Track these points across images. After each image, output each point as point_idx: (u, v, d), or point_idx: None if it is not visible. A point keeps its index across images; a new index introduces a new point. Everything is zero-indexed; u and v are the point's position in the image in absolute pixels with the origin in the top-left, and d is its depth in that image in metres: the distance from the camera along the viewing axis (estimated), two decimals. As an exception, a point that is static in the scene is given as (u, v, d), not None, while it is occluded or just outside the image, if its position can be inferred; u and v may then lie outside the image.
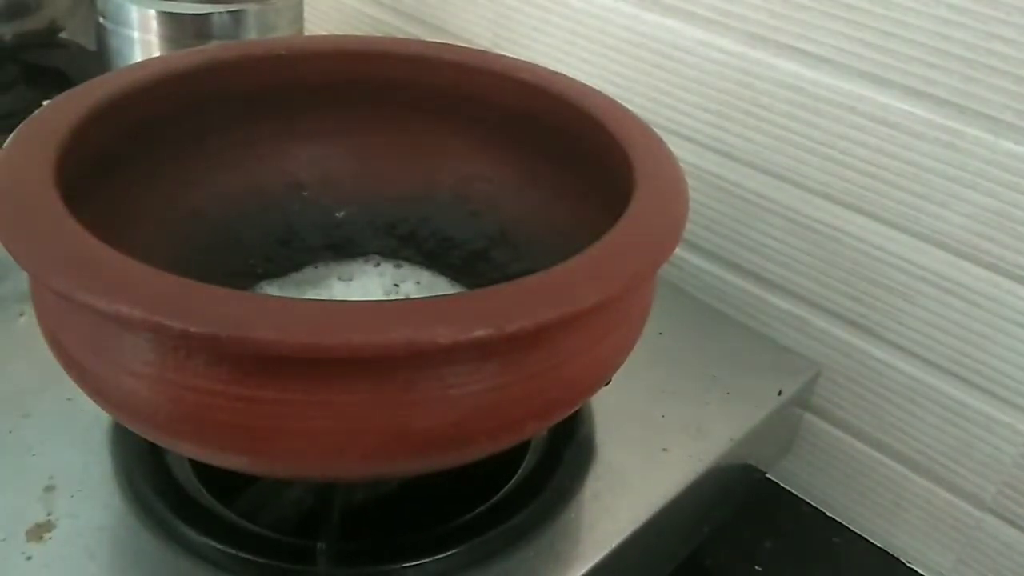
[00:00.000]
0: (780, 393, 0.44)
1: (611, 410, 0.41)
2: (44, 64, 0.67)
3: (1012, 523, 0.43)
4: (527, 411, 0.28)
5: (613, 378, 0.32)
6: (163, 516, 0.33)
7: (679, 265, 0.53)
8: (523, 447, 0.38)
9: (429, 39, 0.50)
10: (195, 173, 0.40)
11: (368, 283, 0.42)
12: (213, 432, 0.26)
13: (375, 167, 0.44)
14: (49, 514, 0.33)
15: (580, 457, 0.38)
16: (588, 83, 0.39)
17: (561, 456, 0.37)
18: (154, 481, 0.34)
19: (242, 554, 0.31)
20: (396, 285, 0.43)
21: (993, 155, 0.39)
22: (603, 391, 0.32)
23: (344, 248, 0.43)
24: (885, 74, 0.41)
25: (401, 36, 0.65)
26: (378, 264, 0.43)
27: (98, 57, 0.61)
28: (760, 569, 0.45)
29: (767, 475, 0.49)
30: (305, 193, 0.43)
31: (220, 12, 0.56)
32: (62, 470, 0.35)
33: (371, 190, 0.44)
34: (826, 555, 0.48)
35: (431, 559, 0.32)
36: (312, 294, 0.41)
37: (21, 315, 0.42)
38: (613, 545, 0.34)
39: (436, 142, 0.43)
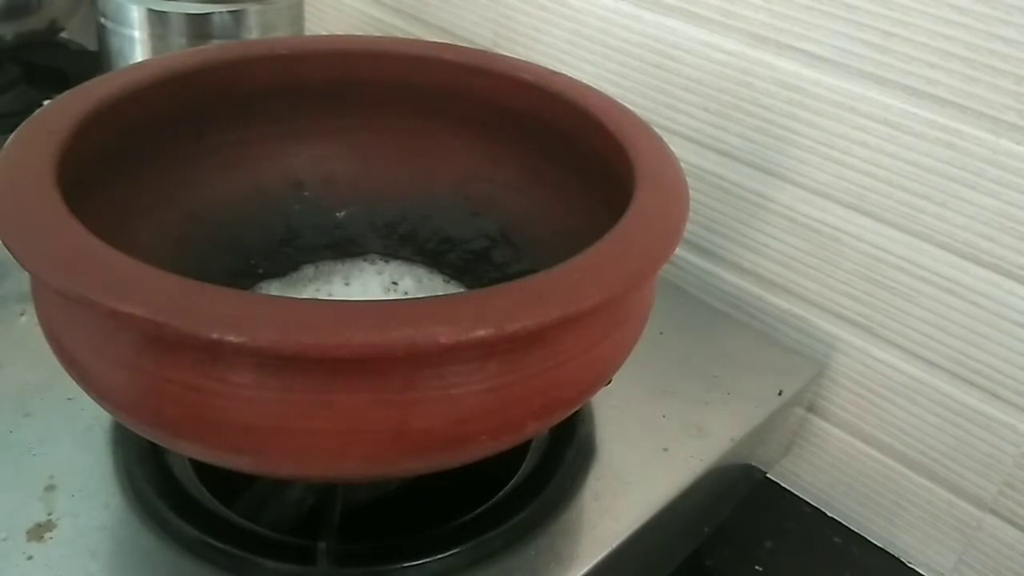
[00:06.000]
0: (780, 393, 0.44)
1: (611, 410, 0.41)
2: (44, 64, 0.67)
3: (1013, 523, 0.43)
4: (527, 411, 0.28)
5: (613, 378, 0.32)
6: (164, 516, 0.33)
7: (679, 265, 0.53)
8: (523, 447, 0.38)
9: (430, 39, 0.50)
10: (195, 173, 0.40)
11: (368, 283, 0.42)
12: (213, 432, 0.26)
13: (375, 167, 0.44)
14: (50, 514, 0.33)
15: (580, 457, 0.38)
16: (588, 83, 0.39)
17: (561, 456, 0.37)
18: (155, 481, 0.34)
19: (243, 554, 0.31)
20: (395, 283, 0.43)
21: (994, 155, 0.39)
22: (603, 391, 0.32)
23: (344, 248, 0.43)
24: (886, 74, 0.41)
25: (402, 36, 0.65)
26: (378, 264, 0.43)
27: (98, 57, 0.61)
28: (760, 569, 0.45)
29: (767, 475, 0.49)
30: (306, 193, 0.43)
31: (220, 12, 0.56)
32: (63, 470, 0.35)
33: (371, 190, 0.44)
34: (826, 555, 0.48)
35: (431, 559, 0.32)
36: (312, 294, 0.41)
37: (21, 315, 0.42)
38: (613, 545, 0.34)
39: (436, 142, 0.43)
